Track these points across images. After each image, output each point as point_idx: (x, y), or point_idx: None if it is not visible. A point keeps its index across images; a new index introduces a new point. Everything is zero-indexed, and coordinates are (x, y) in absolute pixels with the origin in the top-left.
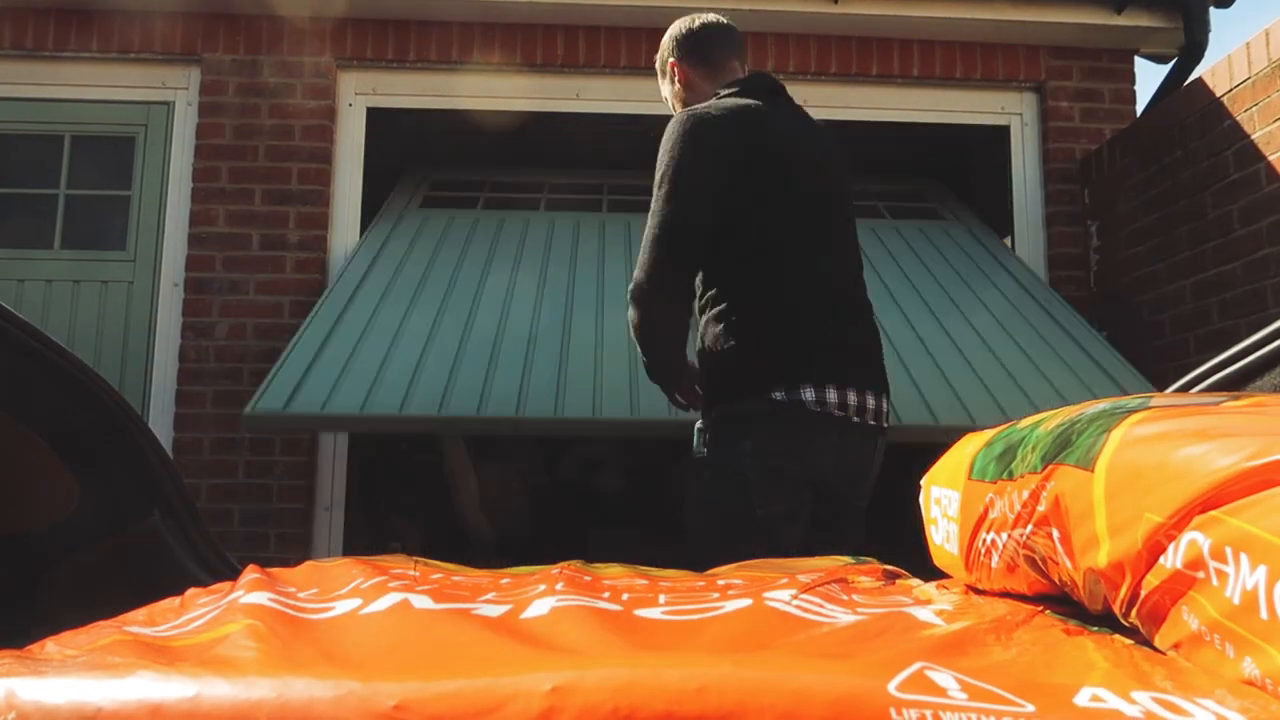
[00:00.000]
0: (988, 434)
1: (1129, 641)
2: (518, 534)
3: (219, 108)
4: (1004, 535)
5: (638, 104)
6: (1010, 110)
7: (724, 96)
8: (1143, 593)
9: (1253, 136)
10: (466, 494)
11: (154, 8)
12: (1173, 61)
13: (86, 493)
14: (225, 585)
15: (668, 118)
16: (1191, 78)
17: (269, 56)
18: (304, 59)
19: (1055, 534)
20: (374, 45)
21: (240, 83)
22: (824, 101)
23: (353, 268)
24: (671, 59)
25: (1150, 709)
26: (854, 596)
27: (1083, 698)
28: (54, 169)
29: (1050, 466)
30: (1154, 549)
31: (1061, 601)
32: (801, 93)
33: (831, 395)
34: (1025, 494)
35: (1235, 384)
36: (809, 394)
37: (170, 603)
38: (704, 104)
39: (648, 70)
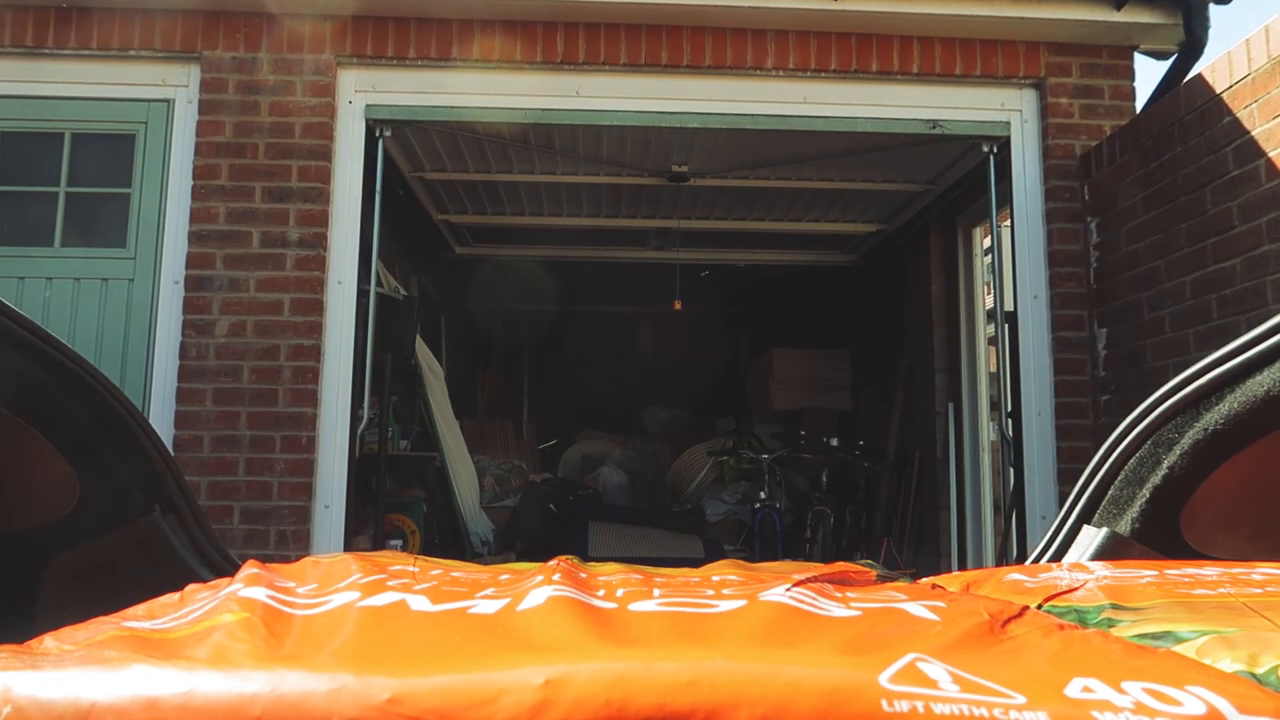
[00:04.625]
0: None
1: (1121, 637)
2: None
3: (219, 105)
4: None
5: (637, 101)
6: (1010, 107)
7: None
8: None
9: (1252, 133)
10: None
11: (154, 5)
12: (1172, 58)
13: (87, 489)
14: (224, 580)
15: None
16: (1191, 74)
17: (269, 54)
18: (304, 56)
19: None
20: (374, 43)
21: (240, 80)
22: (824, 99)
23: None
24: None
25: (1140, 699)
26: (848, 593)
27: (1073, 688)
28: (54, 166)
29: None
30: None
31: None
32: (801, 90)
33: None
34: None
35: (1235, 380)
36: None
37: (170, 598)
38: None
39: (648, 67)
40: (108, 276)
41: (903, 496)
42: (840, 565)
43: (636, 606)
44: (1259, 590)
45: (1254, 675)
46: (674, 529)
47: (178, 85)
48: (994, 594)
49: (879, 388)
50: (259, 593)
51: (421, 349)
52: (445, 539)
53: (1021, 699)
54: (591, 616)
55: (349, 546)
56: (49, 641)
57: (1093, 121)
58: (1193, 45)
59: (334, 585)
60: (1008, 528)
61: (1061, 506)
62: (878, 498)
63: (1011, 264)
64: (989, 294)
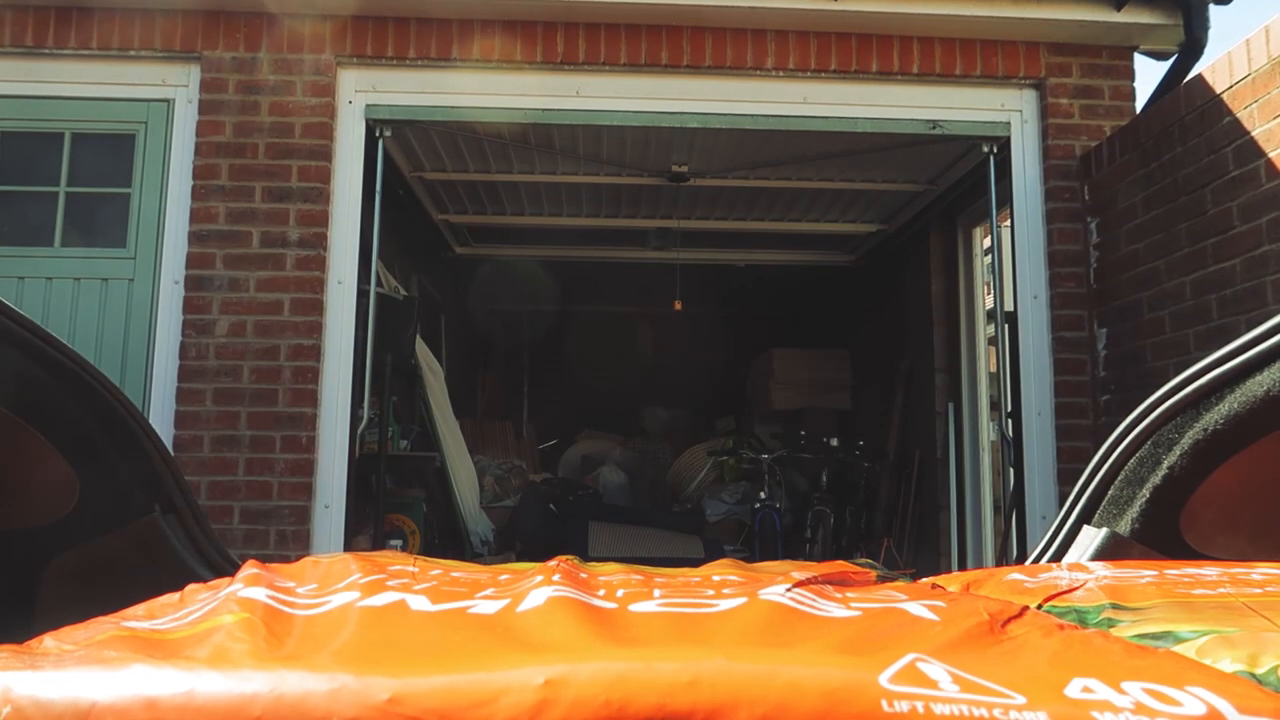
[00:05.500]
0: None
1: (1121, 637)
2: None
3: (219, 105)
4: None
5: (637, 101)
6: (1010, 107)
7: None
8: None
9: (1252, 133)
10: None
11: (154, 5)
12: (1172, 58)
13: (87, 489)
14: (224, 580)
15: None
16: (1191, 74)
17: (269, 54)
18: (304, 56)
19: None
20: (374, 43)
21: (240, 80)
22: (824, 99)
23: None
24: None
25: (1140, 699)
26: (847, 593)
27: (1073, 688)
28: (54, 166)
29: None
30: None
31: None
32: (801, 90)
33: None
34: None
35: (1235, 380)
36: None
37: (170, 598)
38: None
39: (648, 67)
40: (108, 276)
41: (903, 496)
42: (840, 565)
43: (637, 607)
44: (1259, 590)
45: (1254, 675)
46: (674, 529)
47: (178, 85)
48: (994, 594)
49: (879, 388)
50: (259, 593)
51: (421, 349)
52: (445, 539)
53: (1021, 699)
54: (591, 617)
55: (349, 546)
56: (49, 641)
57: (1093, 122)
58: (1193, 46)
59: (334, 585)
60: (1008, 528)
61: (1061, 506)
62: (878, 498)
63: (1011, 264)
64: (989, 294)
